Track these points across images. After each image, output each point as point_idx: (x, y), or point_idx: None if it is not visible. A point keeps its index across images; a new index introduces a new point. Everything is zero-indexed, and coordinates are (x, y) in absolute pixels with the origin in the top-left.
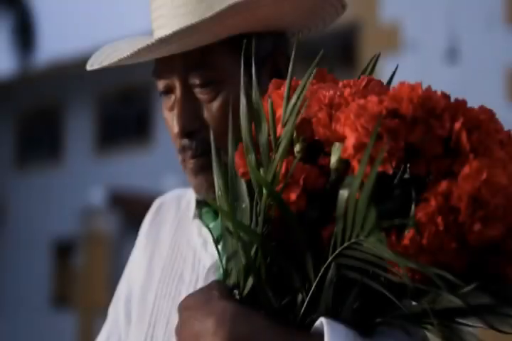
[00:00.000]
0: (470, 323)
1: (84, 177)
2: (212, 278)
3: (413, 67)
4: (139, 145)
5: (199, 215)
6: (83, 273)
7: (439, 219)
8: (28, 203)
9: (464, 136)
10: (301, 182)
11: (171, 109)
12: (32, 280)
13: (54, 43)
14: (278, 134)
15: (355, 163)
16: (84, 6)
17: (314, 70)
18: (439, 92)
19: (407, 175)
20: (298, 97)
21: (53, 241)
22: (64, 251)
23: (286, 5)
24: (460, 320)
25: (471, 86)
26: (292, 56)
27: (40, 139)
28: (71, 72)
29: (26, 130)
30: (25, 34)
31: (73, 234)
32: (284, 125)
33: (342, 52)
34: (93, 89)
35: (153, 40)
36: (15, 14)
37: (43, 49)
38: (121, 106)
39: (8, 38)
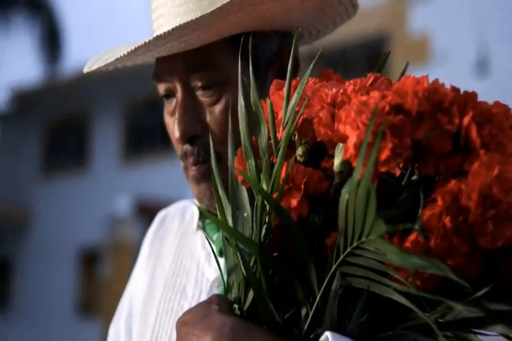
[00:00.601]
0: (487, 332)
1: (110, 185)
2: (216, 292)
3: (442, 80)
4: (165, 154)
5: (202, 226)
6: (108, 281)
7: (447, 220)
8: (54, 211)
9: (473, 131)
10: (303, 186)
11: (173, 113)
12: (57, 288)
13: (81, 51)
14: (279, 137)
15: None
16: (112, 14)
17: (312, 65)
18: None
19: (415, 177)
20: (297, 96)
21: (79, 249)
22: (89, 259)
23: (291, 1)
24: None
25: (501, 99)
26: (291, 53)
27: (66, 147)
28: (98, 81)
29: (53, 138)
30: (52, 42)
31: (99, 243)
32: (284, 126)
33: (370, 64)
34: (120, 97)
35: (151, 38)
36: (42, 22)
37: (70, 57)
38: (147, 115)
39: (35, 45)
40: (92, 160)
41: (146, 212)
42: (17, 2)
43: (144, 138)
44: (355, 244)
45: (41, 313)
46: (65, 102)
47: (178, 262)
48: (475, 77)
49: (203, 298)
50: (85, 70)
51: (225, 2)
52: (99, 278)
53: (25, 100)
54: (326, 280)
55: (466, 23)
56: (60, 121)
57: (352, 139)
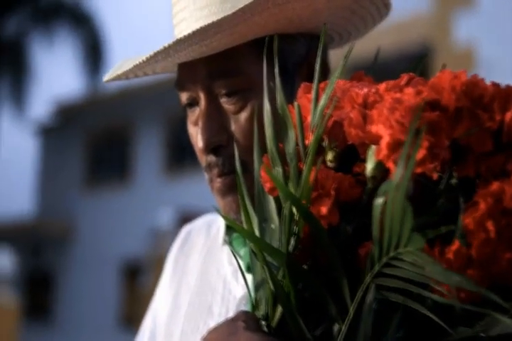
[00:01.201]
0: None
1: (153, 198)
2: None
3: None
4: None
5: (229, 241)
6: (151, 294)
7: (490, 225)
8: (97, 224)
9: None
10: (333, 193)
11: (196, 123)
12: (100, 301)
13: None
14: (307, 143)
15: (391, 165)
16: (155, 27)
17: (343, 64)
18: None
19: (454, 180)
20: (326, 97)
21: (122, 262)
22: (132, 272)
23: (319, 0)
24: None
25: None
26: (319, 52)
27: (109, 160)
28: (140, 94)
29: (96, 151)
30: (94, 55)
31: (141, 256)
32: (313, 130)
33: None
34: (162, 110)
35: (170, 42)
36: (85, 35)
37: None
38: None
39: (78, 59)
40: (134, 173)
41: None
42: (60, 15)
43: (187, 150)
44: (391, 254)
45: (84, 326)
46: (108, 115)
47: (204, 279)
48: None
49: None
50: (105, 79)
51: (248, 3)
52: (142, 290)
53: (68, 113)
54: (360, 293)
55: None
56: (103, 134)
57: (385, 139)
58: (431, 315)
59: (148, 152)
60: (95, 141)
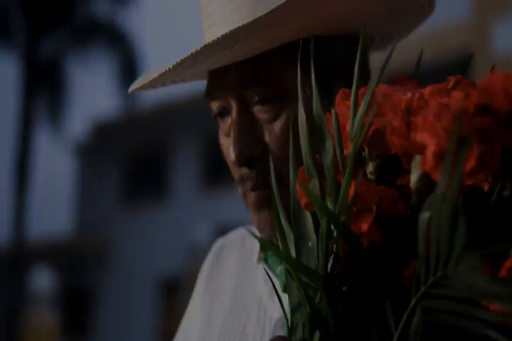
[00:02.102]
0: None
1: (191, 214)
2: (281, 333)
3: None
4: None
5: (265, 258)
6: None
7: None
8: (135, 241)
9: None
10: (374, 208)
11: (228, 133)
12: (138, 318)
13: None
14: (346, 153)
15: (437, 177)
16: (191, 44)
17: (383, 67)
18: None
19: (506, 191)
20: (366, 103)
21: (160, 278)
22: (171, 288)
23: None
24: None
25: None
26: (358, 55)
27: (146, 178)
28: (176, 111)
29: (133, 169)
30: (130, 73)
31: (180, 271)
32: (352, 139)
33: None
34: (198, 126)
35: (198, 48)
36: (121, 54)
37: None
38: None
39: (114, 77)
40: (172, 190)
41: None
42: (96, 34)
43: (224, 165)
44: (439, 273)
45: None
46: (145, 133)
47: (238, 298)
48: None
49: (266, 339)
50: (130, 89)
51: (280, 4)
52: (180, 307)
53: (105, 132)
54: (405, 316)
55: None
56: (140, 151)
57: (431, 148)
58: (492, 334)
59: (186, 168)
60: (132, 159)
